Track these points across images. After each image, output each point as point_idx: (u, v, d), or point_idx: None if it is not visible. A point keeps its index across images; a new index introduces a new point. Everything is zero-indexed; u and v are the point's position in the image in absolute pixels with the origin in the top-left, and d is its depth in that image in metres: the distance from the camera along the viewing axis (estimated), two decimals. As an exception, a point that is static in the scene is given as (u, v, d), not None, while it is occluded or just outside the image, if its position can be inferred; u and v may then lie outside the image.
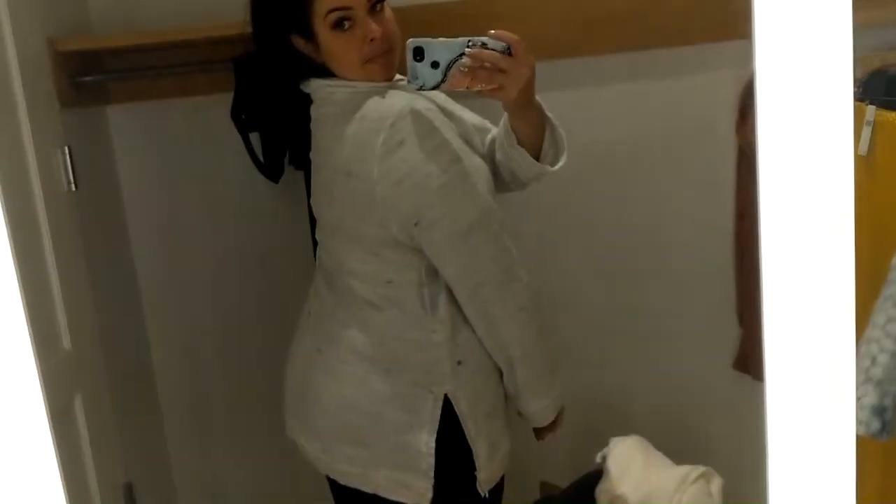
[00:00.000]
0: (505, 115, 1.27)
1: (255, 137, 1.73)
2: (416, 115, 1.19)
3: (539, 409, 1.36)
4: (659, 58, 1.87)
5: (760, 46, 0.51)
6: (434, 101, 1.25)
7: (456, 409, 1.27)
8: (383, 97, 1.22)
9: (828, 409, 0.53)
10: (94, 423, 1.37)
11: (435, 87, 1.15)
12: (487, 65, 1.14)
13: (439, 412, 1.26)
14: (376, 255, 1.25)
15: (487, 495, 1.32)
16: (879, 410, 1.08)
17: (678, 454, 1.67)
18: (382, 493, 1.28)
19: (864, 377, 1.09)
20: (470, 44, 1.13)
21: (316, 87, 1.27)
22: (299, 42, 1.25)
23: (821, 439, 0.53)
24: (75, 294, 1.37)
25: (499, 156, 1.35)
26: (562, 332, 1.95)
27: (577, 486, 1.64)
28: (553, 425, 1.40)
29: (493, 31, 1.14)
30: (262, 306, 1.93)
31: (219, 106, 1.70)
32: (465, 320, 1.28)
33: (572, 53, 1.84)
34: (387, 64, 1.25)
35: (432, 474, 1.26)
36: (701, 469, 1.60)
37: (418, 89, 1.15)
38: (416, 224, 1.21)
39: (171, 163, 1.88)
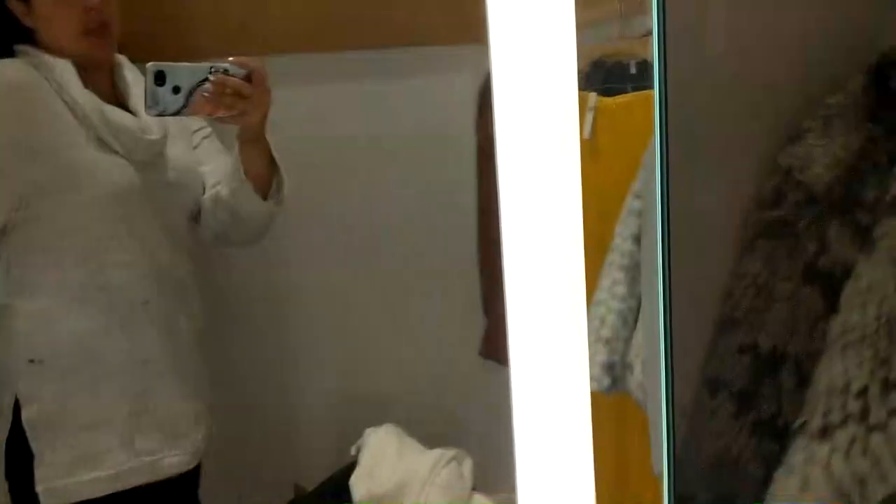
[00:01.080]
0: (235, 148, 1.28)
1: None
2: None
3: None
4: (398, 57, 1.91)
5: (495, 48, 0.56)
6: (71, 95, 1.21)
7: (22, 413, 1.21)
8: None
9: (564, 373, 0.55)
10: None
11: (176, 113, 1.12)
12: (229, 91, 1.14)
13: (10, 413, 1.21)
14: None
15: None
16: (609, 367, 1.16)
17: (433, 440, 1.71)
18: None
19: (594, 337, 1.17)
20: (212, 69, 1.13)
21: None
22: (11, 2, 1.17)
23: (558, 400, 0.55)
24: None
25: (223, 192, 1.34)
26: (309, 331, 1.92)
27: (332, 479, 1.61)
28: None
29: (233, 59, 1.15)
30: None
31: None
32: (71, 314, 1.23)
33: (313, 48, 1.84)
34: (104, 40, 1.24)
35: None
36: (452, 452, 1.63)
37: (158, 114, 1.13)
38: None
39: None
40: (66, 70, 1.21)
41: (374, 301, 1.95)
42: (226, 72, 1.14)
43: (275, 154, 1.32)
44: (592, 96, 1.40)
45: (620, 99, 1.39)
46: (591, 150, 1.41)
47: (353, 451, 1.67)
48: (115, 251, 1.25)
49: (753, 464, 0.88)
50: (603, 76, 1.41)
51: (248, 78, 1.16)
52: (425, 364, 1.99)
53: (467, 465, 1.64)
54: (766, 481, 0.86)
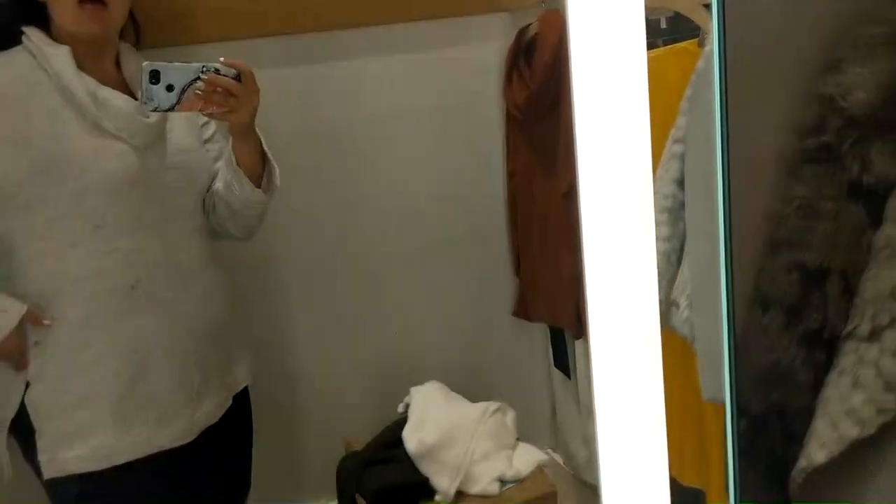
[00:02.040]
0: (229, 142, 1.36)
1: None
2: None
3: None
4: (423, 30, 1.97)
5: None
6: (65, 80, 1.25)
7: (26, 392, 1.27)
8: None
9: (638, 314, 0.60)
10: None
11: (170, 109, 1.22)
12: (220, 89, 1.23)
13: (20, 393, 1.28)
14: None
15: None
16: (654, 304, 1.21)
17: (471, 396, 1.77)
18: None
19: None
20: (204, 69, 1.22)
21: None
22: None
23: (630, 337, 0.60)
24: None
25: (217, 185, 1.41)
26: (351, 296, 1.98)
27: (384, 434, 1.67)
28: None
29: (223, 59, 1.24)
30: None
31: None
32: (65, 298, 1.27)
33: (341, 25, 1.89)
34: (100, 14, 1.27)
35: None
36: (497, 404, 1.70)
37: (153, 110, 1.22)
38: None
39: None
40: (62, 57, 1.25)
41: (408, 266, 2.02)
42: (217, 71, 1.23)
43: (265, 148, 1.38)
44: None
45: (653, 53, 1.44)
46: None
47: (400, 409, 1.73)
48: (108, 237, 1.27)
49: (804, 372, 0.94)
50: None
51: (237, 78, 1.24)
52: (461, 324, 2.05)
53: (510, 416, 1.70)
54: (816, 387, 0.92)
